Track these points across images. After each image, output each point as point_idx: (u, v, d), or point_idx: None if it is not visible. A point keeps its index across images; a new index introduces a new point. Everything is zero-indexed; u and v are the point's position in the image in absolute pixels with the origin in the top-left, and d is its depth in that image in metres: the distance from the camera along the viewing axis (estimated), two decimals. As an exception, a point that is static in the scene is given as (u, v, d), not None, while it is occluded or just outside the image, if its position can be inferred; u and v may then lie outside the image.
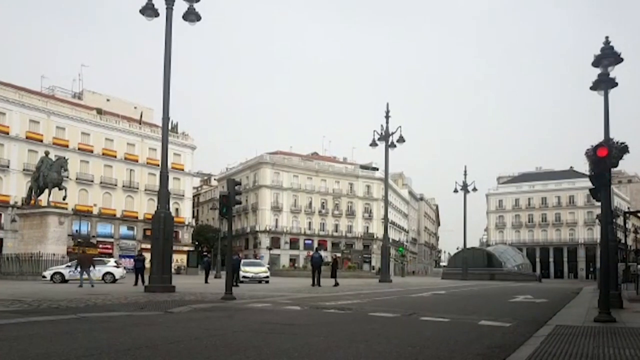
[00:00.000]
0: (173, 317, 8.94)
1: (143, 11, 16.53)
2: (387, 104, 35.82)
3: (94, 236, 59.96)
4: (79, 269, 21.60)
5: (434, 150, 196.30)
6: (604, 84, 12.18)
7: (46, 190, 33.58)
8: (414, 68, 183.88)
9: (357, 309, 11.10)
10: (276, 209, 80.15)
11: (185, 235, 69.38)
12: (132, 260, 57.51)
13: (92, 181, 60.89)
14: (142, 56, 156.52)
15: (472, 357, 5.48)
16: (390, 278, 36.83)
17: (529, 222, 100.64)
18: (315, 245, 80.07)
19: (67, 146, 58.14)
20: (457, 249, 68.12)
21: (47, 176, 33.20)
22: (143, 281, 21.94)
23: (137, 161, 65.11)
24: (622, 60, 11.80)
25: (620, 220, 40.72)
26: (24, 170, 54.39)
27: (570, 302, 14.50)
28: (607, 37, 11.82)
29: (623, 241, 36.99)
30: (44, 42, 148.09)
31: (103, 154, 62.21)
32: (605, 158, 8.83)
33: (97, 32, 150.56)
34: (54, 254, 30.45)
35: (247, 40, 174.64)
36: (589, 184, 9.82)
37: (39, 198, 34.19)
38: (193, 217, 78.39)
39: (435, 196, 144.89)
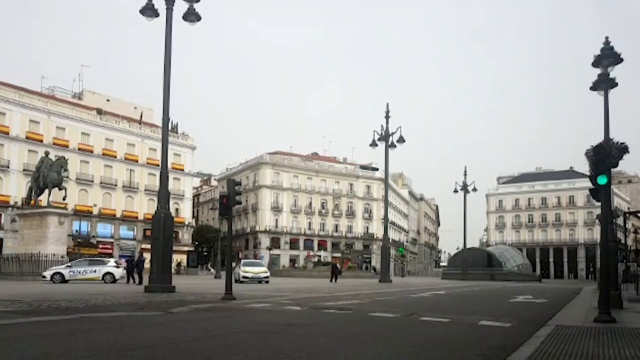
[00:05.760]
0: (173, 318, 8.93)
1: (143, 11, 16.52)
2: (387, 104, 35.93)
3: (94, 236, 59.97)
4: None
5: (434, 150, 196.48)
6: (604, 84, 12.19)
7: (46, 191, 33.55)
8: (414, 68, 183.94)
9: (357, 309, 11.10)
10: (276, 209, 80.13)
11: (185, 236, 69.37)
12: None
13: (92, 181, 60.87)
14: (142, 56, 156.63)
15: (473, 357, 5.48)
16: (390, 278, 36.87)
17: (528, 222, 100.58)
18: (316, 245, 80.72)
19: (67, 146, 58.13)
20: (457, 249, 68.22)
21: (47, 176, 33.17)
22: (141, 281, 22.04)
23: (137, 161, 65.09)
24: (622, 60, 11.81)
25: (620, 221, 40.70)
26: (24, 170, 54.37)
27: (570, 303, 14.49)
28: (607, 38, 11.83)
29: (623, 241, 37.00)
30: (44, 42, 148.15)
31: (103, 154, 62.19)
32: (605, 158, 8.84)
33: (97, 32, 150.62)
34: (53, 254, 30.45)
35: (248, 39, 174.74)
36: (589, 184, 9.82)
37: (39, 198, 34.17)
38: (193, 217, 78.37)
39: (435, 196, 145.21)
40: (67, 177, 41.46)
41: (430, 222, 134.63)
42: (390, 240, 48.33)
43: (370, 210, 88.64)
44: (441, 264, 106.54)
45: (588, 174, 9.99)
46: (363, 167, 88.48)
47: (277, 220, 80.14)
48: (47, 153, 37.17)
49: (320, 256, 69.12)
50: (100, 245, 59.23)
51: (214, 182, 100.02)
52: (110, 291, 16.86)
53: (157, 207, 16.66)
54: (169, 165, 26.53)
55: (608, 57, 11.76)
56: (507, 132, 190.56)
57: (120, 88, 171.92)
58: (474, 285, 29.82)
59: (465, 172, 50.69)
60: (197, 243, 73.82)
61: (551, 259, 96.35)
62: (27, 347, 5.45)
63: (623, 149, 11.59)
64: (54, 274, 26.51)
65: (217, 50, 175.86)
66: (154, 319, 8.64)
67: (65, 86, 71.09)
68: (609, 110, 12.84)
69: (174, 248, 20.28)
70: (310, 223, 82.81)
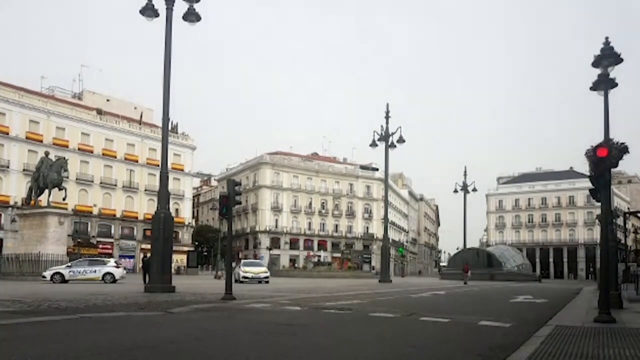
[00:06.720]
0: (173, 318, 8.94)
1: (143, 11, 16.52)
2: (387, 105, 35.93)
3: (94, 236, 59.95)
4: None
5: (434, 150, 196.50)
6: (604, 84, 12.17)
7: (46, 191, 33.52)
8: (414, 68, 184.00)
9: (357, 309, 11.10)
10: (276, 209, 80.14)
11: (185, 236, 69.34)
12: (131, 260, 58.31)
13: (92, 181, 60.84)
14: (142, 56, 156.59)
15: (473, 358, 5.48)
16: (390, 278, 36.88)
17: (528, 222, 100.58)
18: (316, 245, 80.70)
19: (67, 146, 58.09)
20: (457, 249, 68.21)
21: (47, 176, 33.15)
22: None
23: (137, 161, 65.05)
24: (622, 60, 11.78)
25: (620, 221, 40.72)
26: (24, 170, 54.33)
27: (570, 303, 14.49)
28: (607, 38, 11.80)
29: (623, 241, 37.01)
30: (44, 42, 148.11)
31: (103, 154, 62.16)
32: (605, 158, 8.84)
33: (97, 32, 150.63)
34: (53, 254, 30.43)
35: (247, 39, 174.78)
36: (589, 184, 9.81)
37: (39, 198, 34.15)
38: (193, 217, 78.33)
39: (435, 196, 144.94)
40: (67, 177, 41.40)
41: (430, 222, 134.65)
42: (390, 240, 48.32)
43: (370, 211, 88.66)
44: (441, 264, 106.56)
45: (588, 174, 9.98)
46: (363, 167, 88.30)
47: (277, 220, 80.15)
48: (47, 153, 37.15)
49: (320, 256, 69.06)
50: (100, 245, 59.22)
51: (214, 182, 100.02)
52: (111, 291, 16.85)
53: (157, 207, 16.65)
54: (169, 165, 26.57)
55: (608, 57, 11.74)
56: (507, 132, 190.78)
57: (120, 88, 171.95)
58: (473, 286, 29.83)
59: (465, 172, 50.69)
60: (197, 243, 73.79)
61: (551, 259, 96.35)
62: (27, 347, 5.45)
63: (623, 149, 11.59)
64: (54, 274, 26.47)
65: (217, 50, 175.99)
66: (154, 319, 8.65)
67: (65, 86, 71.10)
68: (609, 111, 12.83)
69: (174, 248, 20.25)
70: (310, 223, 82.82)
